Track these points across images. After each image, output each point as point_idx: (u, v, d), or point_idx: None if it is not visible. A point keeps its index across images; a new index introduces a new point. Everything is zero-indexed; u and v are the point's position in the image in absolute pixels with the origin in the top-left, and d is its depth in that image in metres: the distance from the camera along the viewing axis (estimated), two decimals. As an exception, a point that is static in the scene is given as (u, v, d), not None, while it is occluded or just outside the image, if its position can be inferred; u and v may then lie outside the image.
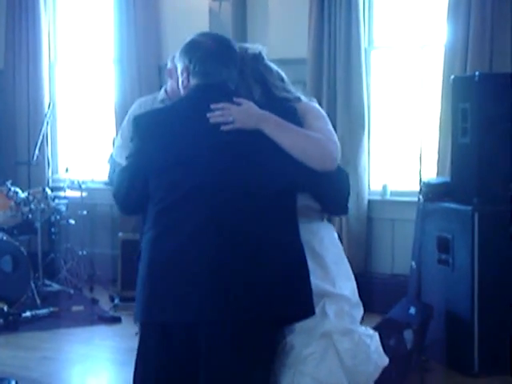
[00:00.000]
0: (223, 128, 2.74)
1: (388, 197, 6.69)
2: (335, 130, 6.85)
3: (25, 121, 8.01)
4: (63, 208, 7.23)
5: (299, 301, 2.81)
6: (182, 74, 2.94)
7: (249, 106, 2.79)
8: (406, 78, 6.66)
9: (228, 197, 2.72)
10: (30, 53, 7.98)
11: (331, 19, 6.55)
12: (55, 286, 7.08)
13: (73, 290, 7.08)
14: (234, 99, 2.80)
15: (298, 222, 2.85)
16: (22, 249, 6.56)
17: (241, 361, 2.74)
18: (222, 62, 2.88)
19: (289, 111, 2.89)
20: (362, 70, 6.52)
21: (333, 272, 3.01)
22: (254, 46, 3.11)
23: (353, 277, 3.16)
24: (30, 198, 6.74)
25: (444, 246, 5.19)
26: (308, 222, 2.98)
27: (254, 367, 2.78)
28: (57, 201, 7.10)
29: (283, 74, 3.10)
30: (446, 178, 5.58)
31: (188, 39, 2.96)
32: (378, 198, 6.71)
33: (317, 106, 3.10)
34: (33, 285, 6.55)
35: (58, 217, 7.25)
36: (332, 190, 2.98)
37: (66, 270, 7.33)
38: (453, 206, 5.22)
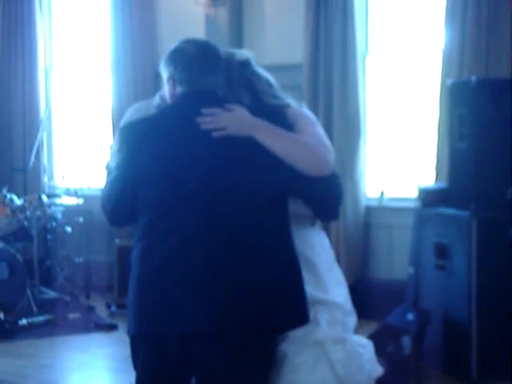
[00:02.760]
0: (214, 135, 2.71)
1: (385, 203, 6.68)
2: (331, 135, 6.89)
3: (21, 127, 7.99)
4: (59, 215, 7.21)
5: (294, 309, 2.79)
6: (167, 82, 2.91)
7: (240, 113, 2.76)
8: (402, 83, 6.66)
9: (220, 206, 2.69)
10: (26, 58, 7.97)
11: (327, 25, 6.54)
12: (51, 294, 7.07)
13: (69, 297, 7.06)
14: (226, 105, 2.77)
15: (290, 229, 2.83)
16: (18, 256, 6.54)
17: (237, 372, 2.72)
18: (207, 69, 2.85)
19: (279, 117, 2.87)
20: (359, 75, 6.51)
21: (325, 279, 3.00)
22: (241, 52, 3.09)
23: (345, 284, 3.15)
24: (26, 204, 6.72)
25: (441, 251, 5.18)
26: (300, 229, 2.95)
27: (250, 377, 2.76)
28: (53, 208, 7.08)
29: (271, 80, 3.07)
30: (444, 184, 5.57)
31: (172, 47, 2.93)
32: (375, 203, 6.70)
33: (307, 111, 3.08)
34: (29, 292, 6.52)
35: (54, 224, 7.23)
36: (324, 194, 2.95)
37: (63, 277, 7.31)
38: (450, 211, 5.21)
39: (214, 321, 2.65)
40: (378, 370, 3.10)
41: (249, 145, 2.73)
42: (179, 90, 2.87)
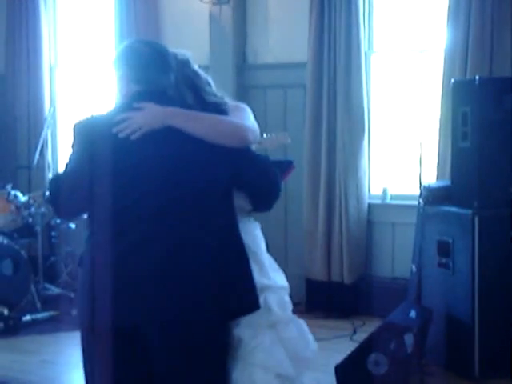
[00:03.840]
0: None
1: (388, 200, 6.68)
2: (335, 133, 6.91)
3: (25, 124, 8.01)
4: (63, 212, 7.22)
5: (245, 296, 2.95)
6: (120, 80, 2.98)
7: (151, 108, 2.84)
8: (406, 81, 6.66)
9: (172, 201, 2.80)
10: (31, 56, 7.98)
11: (331, 23, 6.55)
12: (55, 290, 7.08)
13: (73, 293, 7.06)
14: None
15: (237, 221, 2.98)
16: (23, 252, 6.56)
17: (192, 359, 2.83)
18: (160, 69, 2.95)
19: (223, 114, 2.99)
20: (362, 73, 6.52)
21: (266, 266, 3.19)
22: (181, 52, 3.17)
23: (278, 267, 3.32)
24: (31, 201, 6.74)
25: (444, 249, 5.19)
26: (242, 222, 3.10)
27: (206, 365, 2.87)
28: (57, 204, 7.08)
29: (210, 79, 3.20)
30: (447, 182, 5.58)
31: (122, 46, 3.01)
32: (378, 201, 6.70)
33: (242, 105, 3.20)
34: (33, 288, 6.55)
35: (59, 220, 7.25)
36: (267, 188, 3.08)
37: (67, 273, 7.32)
38: (453, 209, 5.22)
39: (164, 308, 2.77)
40: (314, 345, 3.28)
41: (193, 144, 2.82)
42: (133, 88, 2.94)
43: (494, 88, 5.16)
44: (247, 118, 3.05)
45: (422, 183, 5.62)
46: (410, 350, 4.58)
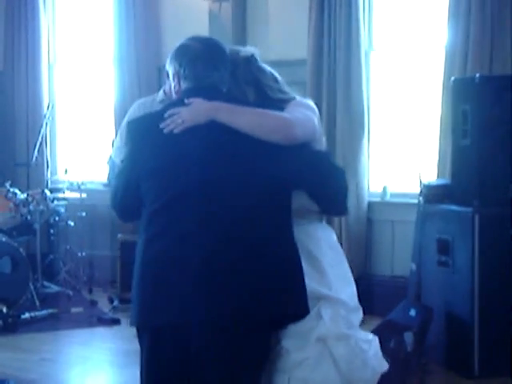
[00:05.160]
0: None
1: (388, 198, 6.67)
2: (335, 131, 6.89)
3: (24, 122, 8.01)
4: (62, 209, 7.22)
5: (292, 300, 2.80)
6: (173, 79, 2.95)
7: (197, 102, 2.80)
8: (406, 79, 6.65)
9: (218, 198, 2.73)
10: (30, 54, 7.98)
11: (331, 20, 6.54)
12: (54, 288, 7.08)
13: (72, 291, 7.07)
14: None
15: (291, 222, 2.84)
16: (21, 250, 6.55)
17: (231, 362, 2.74)
18: (211, 65, 2.88)
19: (279, 109, 2.88)
20: (362, 71, 6.51)
21: (329, 275, 2.97)
22: (246, 49, 3.11)
23: (352, 281, 3.13)
24: (29, 199, 6.73)
25: (444, 247, 5.18)
26: (305, 224, 2.96)
27: (245, 369, 2.77)
28: (56, 202, 7.08)
29: (277, 75, 3.10)
30: (447, 180, 5.57)
31: (178, 44, 2.97)
32: (377, 199, 6.69)
33: (308, 101, 3.08)
34: (32, 286, 6.54)
35: (57, 218, 7.24)
36: (329, 188, 2.95)
37: (65, 271, 7.32)
38: (453, 207, 5.22)
39: (206, 308, 2.68)
40: (384, 366, 3.08)
41: (248, 138, 2.74)
42: (184, 85, 2.91)
43: (494, 86, 5.15)
44: (303, 113, 2.90)
45: (422, 181, 5.61)
46: (409, 348, 4.58)
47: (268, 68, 3.10)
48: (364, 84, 6.53)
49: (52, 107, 7.61)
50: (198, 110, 2.78)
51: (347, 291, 3.03)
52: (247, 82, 3.02)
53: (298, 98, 3.07)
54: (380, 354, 3.07)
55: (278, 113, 2.82)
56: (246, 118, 2.75)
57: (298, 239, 2.86)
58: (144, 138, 2.86)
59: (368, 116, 6.60)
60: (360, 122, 6.53)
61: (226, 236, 2.71)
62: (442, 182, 5.69)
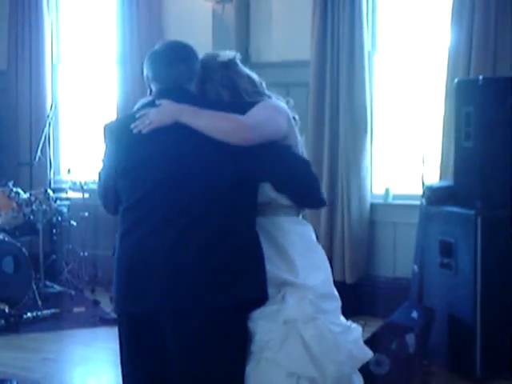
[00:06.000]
0: (143, 131, 2.95)
1: (390, 200, 6.67)
2: (337, 132, 6.89)
3: (27, 121, 8.01)
4: (65, 209, 7.23)
5: (250, 287, 2.96)
6: (146, 81, 3.15)
7: (164, 105, 2.97)
8: (409, 81, 6.65)
9: (181, 196, 2.90)
10: (33, 53, 7.98)
11: (334, 22, 6.54)
12: (56, 288, 7.09)
13: (74, 291, 7.08)
14: (156, 101, 3.00)
15: (254, 215, 3.02)
16: (24, 250, 6.55)
17: (201, 349, 2.90)
18: (167, 63, 3.06)
19: (246, 110, 3.01)
20: (365, 73, 6.50)
21: (297, 264, 3.09)
22: (225, 53, 3.23)
23: (327, 269, 3.23)
24: (32, 198, 6.74)
25: (446, 249, 5.18)
26: (273, 216, 3.11)
27: (218, 354, 2.92)
28: (58, 202, 7.10)
29: (256, 78, 3.23)
30: (449, 182, 5.57)
31: None
32: (380, 201, 6.69)
33: (277, 102, 3.18)
34: (34, 286, 6.54)
35: (60, 218, 7.25)
36: (297, 182, 3.11)
37: (68, 271, 7.32)
38: (455, 209, 5.22)
39: (174, 297, 2.87)
40: (367, 354, 3.18)
41: (199, 140, 2.91)
42: (154, 88, 3.10)
43: (498, 88, 5.16)
44: (265, 114, 3.02)
45: (425, 183, 5.61)
46: (411, 350, 4.58)
47: (247, 71, 3.23)
48: (367, 85, 6.52)
49: (55, 107, 7.62)
50: (165, 112, 2.96)
51: (318, 278, 3.13)
52: (223, 86, 3.15)
53: (274, 98, 3.19)
54: (361, 342, 3.17)
55: (235, 116, 2.95)
56: (204, 122, 2.91)
57: (267, 231, 3.06)
58: (118, 139, 3.06)
59: (371, 117, 6.60)
60: (363, 124, 6.53)
61: (188, 230, 2.88)
62: (444, 183, 5.69)
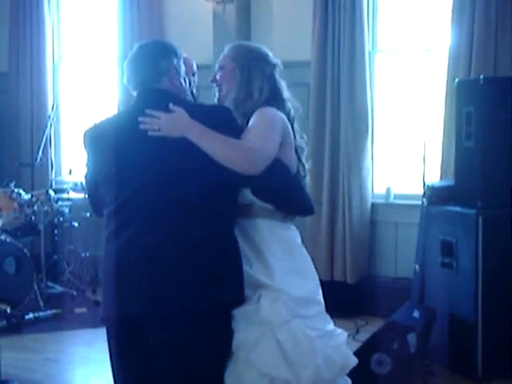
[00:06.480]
0: (150, 133, 2.94)
1: (392, 200, 6.68)
2: (339, 133, 6.88)
3: (28, 122, 8.01)
4: (66, 210, 7.23)
5: (228, 290, 3.00)
6: (127, 85, 3.20)
7: (178, 115, 2.97)
8: (409, 81, 6.65)
9: (161, 202, 2.92)
10: (34, 54, 7.98)
11: (335, 22, 6.54)
12: (58, 288, 7.09)
13: (76, 291, 7.08)
14: (170, 106, 2.98)
15: (233, 218, 3.07)
16: (25, 250, 6.56)
17: (183, 352, 2.94)
18: (133, 68, 3.12)
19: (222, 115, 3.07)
20: (366, 73, 6.51)
21: (273, 267, 3.11)
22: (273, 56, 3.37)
23: (311, 276, 3.26)
24: (34, 199, 6.74)
25: (448, 249, 5.18)
26: (254, 218, 3.14)
27: (199, 357, 2.95)
28: (60, 203, 7.10)
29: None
30: (450, 182, 5.57)
31: None
32: (381, 201, 6.70)
33: (272, 113, 3.24)
34: (36, 287, 6.55)
35: (61, 219, 7.25)
36: (278, 188, 3.14)
37: (69, 271, 7.32)
38: (457, 209, 5.22)
39: (151, 302, 2.91)
40: (350, 359, 3.20)
41: (187, 145, 2.92)
42: (133, 92, 3.16)
43: (498, 88, 5.16)
44: (265, 138, 3.05)
45: (426, 183, 5.61)
46: (413, 349, 4.58)
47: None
48: (367, 86, 6.53)
49: (56, 107, 7.62)
50: (175, 125, 2.96)
51: (296, 282, 3.14)
52: (269, 81, 3.29)
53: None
54: (345, 348, 3.19)
55: (244, 147, 2.96)
56: (213, 147, 2.93)
57: (246, 232, 3.11)
58: (98, 144, 3.08)
59: (372, 117, 6.61)
60: (364, 124, 6.53)
61: (168, 235, 2.92)
62: (445, 183, 5.69)
